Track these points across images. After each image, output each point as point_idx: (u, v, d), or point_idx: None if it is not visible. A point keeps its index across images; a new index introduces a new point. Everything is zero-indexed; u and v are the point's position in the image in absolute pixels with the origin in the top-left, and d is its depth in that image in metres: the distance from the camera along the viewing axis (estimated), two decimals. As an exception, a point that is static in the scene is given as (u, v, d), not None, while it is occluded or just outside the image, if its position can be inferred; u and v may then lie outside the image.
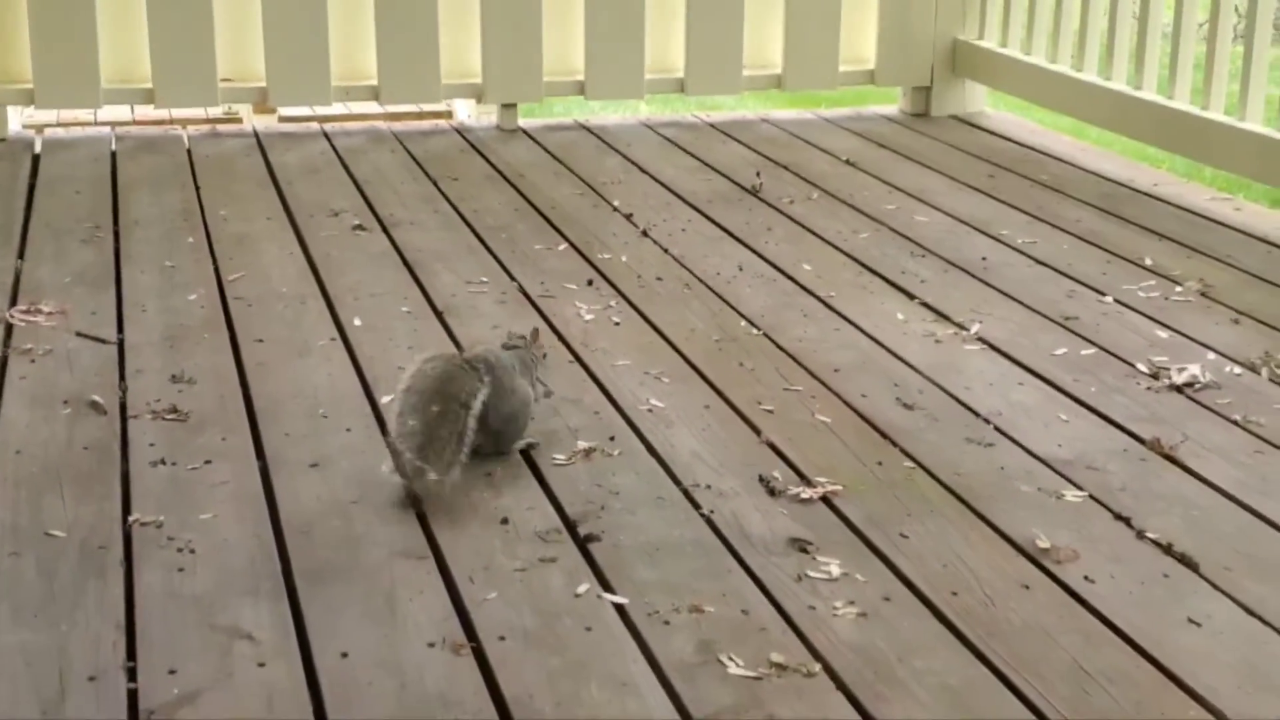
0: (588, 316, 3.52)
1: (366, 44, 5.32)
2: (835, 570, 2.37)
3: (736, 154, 5.17)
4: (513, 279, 3.80)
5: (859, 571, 2.37)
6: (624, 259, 3.96)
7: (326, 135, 5.40)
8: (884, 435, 2.89)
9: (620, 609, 2.26)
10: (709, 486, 2.66)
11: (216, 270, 3.83)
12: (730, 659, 2.12)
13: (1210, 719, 2.02)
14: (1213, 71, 4.58)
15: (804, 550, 2.43)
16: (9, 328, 3.37)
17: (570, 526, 2.51)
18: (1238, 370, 3.21)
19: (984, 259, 3.99)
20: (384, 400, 2.94)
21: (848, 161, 5.05)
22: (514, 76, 5.40)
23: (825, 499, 2.61)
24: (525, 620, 2.22)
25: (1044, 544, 2.45)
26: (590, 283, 3.76)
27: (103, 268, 3.85)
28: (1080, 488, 2.67)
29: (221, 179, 4.77)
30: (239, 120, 6.31)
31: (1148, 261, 3.96)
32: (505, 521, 2.52)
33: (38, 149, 5.09)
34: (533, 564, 2.38)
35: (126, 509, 2.54)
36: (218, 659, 2.11)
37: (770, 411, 2.99)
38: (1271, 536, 2.52)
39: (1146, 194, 4.67)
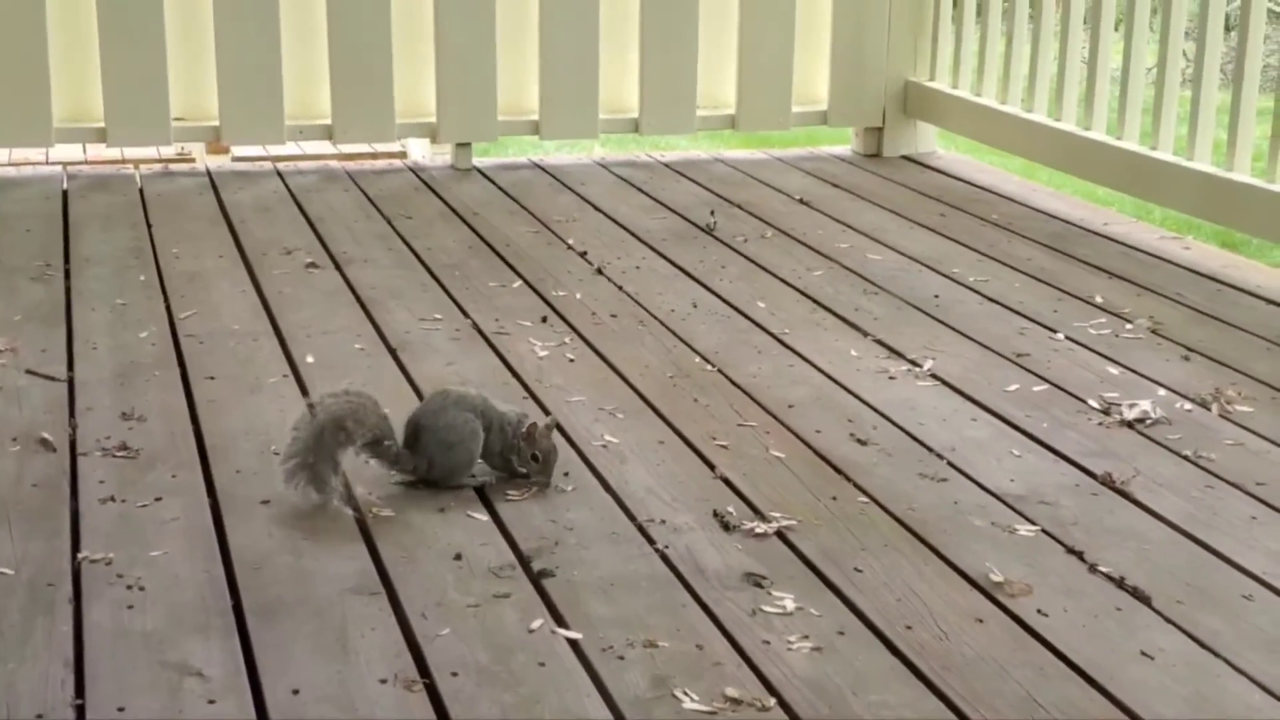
0: (542, 353, 3.51)
1: (320, 83, 5.32)
2: (790, 605, 2.37)
3: (690, 193, 5.19)
4: (467, 316, 3.79)
5: (813, 606, 2.37)
6: (579, 296, 3.96)
7: (280, 174, 5.39)
8: (838, 470, 2.89)
9: (574, 644, 2.25)
10: (663, 521, 2.65)
11: (168, 308, 3.81)
12: (685, 694, 2.12)
13: (1163, 751, 2.03)
14: (1161, 112, 4.62)
15: (758, 585, 2.43)
16: (-43, 365, 3.35)
17: (524, 562, 2.50)
18: (1188, 406, 3.23)
19: (936, 296, 4.01)
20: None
21: (801, 200, 5.07)
22: (469, 116, 5.41)
23: (779, 534, 2.61)
24: (478, 656, 2.21)
25: (997, 578, 2.46)
26: (545, 319, 3.76)
27: (53, 305, 3.82)
28: (1033, 522, 2.68)
29: (173, 217, 4.75)
30: (192, 160, 6.28)
31: (1098, 299, 3.99)
32: (458, 557, 2.51)
33: (-12, 187, 5.07)
34: (486, 600, 2.37)
35: (76, 546, 2.52)
36: (167, 696, 2.09)
37: (724, 447, 2.99)
38: (1222, 570, 2.53)
39: (1096, 233, 4.71)
